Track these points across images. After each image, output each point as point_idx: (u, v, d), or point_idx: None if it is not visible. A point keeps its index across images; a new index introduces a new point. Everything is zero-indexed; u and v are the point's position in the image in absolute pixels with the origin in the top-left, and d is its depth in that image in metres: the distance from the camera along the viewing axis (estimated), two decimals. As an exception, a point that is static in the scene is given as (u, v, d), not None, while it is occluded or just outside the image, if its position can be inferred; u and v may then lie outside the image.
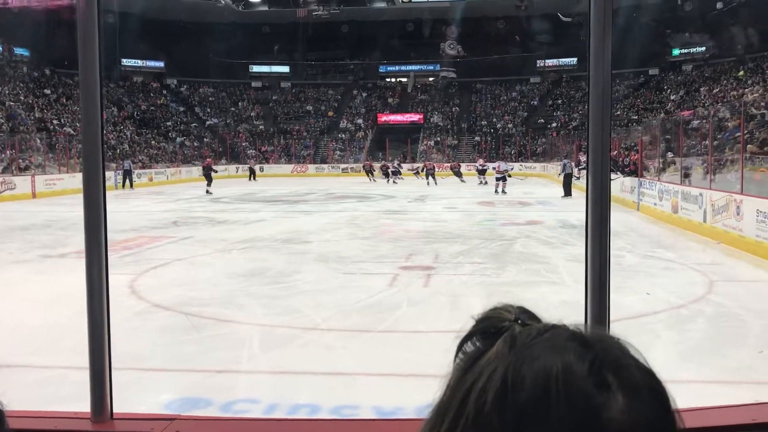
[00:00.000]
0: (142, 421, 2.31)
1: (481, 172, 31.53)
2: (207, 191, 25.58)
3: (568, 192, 22.13)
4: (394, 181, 33.59)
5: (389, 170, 35.04)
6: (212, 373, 5.08)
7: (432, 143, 48.84)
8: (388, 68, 55.40)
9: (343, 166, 44.47)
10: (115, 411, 2.29)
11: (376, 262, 10.09)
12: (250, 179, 37.81)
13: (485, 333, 0.56)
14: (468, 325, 0.63)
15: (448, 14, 48.94)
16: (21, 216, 17.33)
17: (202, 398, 4.54)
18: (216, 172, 27.54)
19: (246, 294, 7.78)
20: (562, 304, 7.04)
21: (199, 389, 4.74)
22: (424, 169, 33.48)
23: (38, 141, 31.99)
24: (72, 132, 36.29)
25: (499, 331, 0.55)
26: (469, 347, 0.56)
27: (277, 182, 35.49)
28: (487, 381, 0.50)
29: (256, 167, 41.38)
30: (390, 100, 54.15)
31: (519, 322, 0.56)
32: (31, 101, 37.68)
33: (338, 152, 48.25)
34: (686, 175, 16.22)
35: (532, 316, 0.58)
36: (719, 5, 41.20)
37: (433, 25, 50.72)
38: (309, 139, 50.00)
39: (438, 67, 53.95)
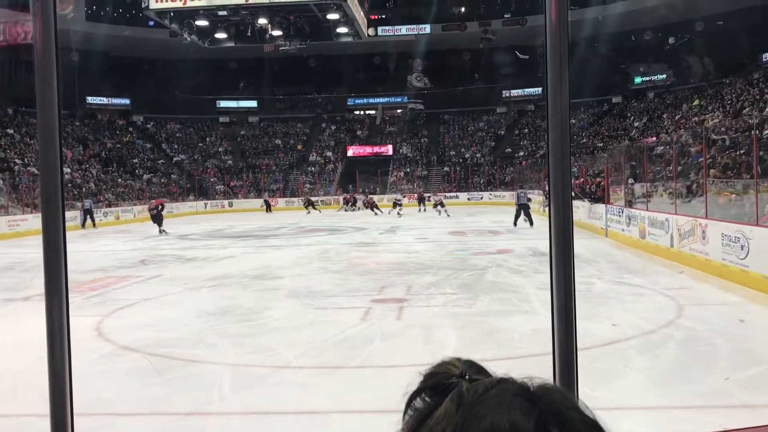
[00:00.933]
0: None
1: (420, 200, 36.23)
2: (161, 231, 23.82)
3: (530, 220, 21.90)
4: (398, 213, 32.31)
5: (394, 202, 34.30)
6: (182, 416, 4.97)
7: (402, 174, 49.09)
8: (356, 101, 55.81)
9: (313, 198, 44.47)
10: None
11: (348, 296, 10.03)
12: (267, 211, 39.17)
13: (434, 389, 0.55)
14: (432, 363, 0.61)
15: (414, 48, 49.62)
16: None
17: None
18: (162, 209, 25.13)
19: (216, 333, 7.66)
20: (534, 333, 7.05)
21: (168, 432, 4.62)
22: (419, 201, 36.44)
23: (1, 181, 31.45)
24: (36, 172, 35.68)
25: (447, 388, 0.54)
26: (418, 403, 0.55)
27: (247, 217, 35.25)
28: None
29: (226, 202, 41.18)
30: (359, 132, 54.46)
31: (466, 377, 0.56)
32: (-7, 141, 37.14)
33: (308, 185, 48.23)
34: (630, 202, 16.73)
35: (479, 370, 0.58)
36: (671, 40, 42.58)
37: (399, 58, 51.35)
38: (278, 173, 49.93)
39: (406, 99, 54.50)
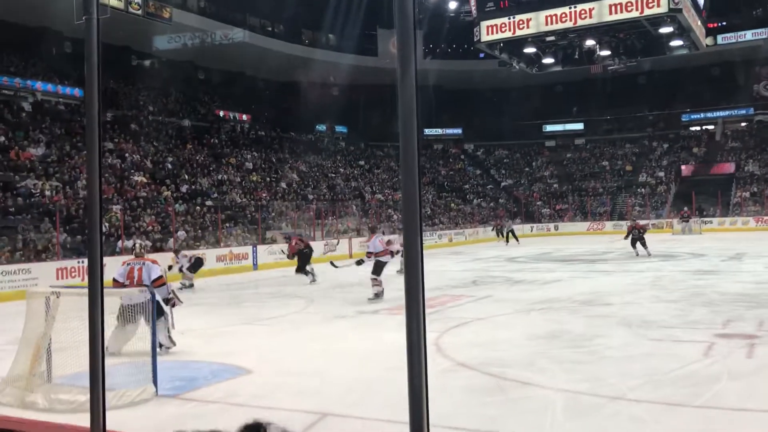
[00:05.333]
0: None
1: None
2: (332, 264, 16.22)
3: None
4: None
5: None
6: (516, 438, 5.05)
7: (747, 195, 43.96)
8: (692, 116, 51.51)
9: (643, 222, 42.06)
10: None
11: (688, 328, 9.27)
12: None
13: None
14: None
15: (760, 54, 44.35)
16: (341, 275, 19.11)
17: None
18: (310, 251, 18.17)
19: (546, 357, 7.65)
20: None
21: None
22: None
23: (354, 207, 35.56)
24: (382, 198, 39.68)
25: None
26: None
27: (573, 240, 34.70)
28: None
29: (552, 225, 40.97)
30: (695, 149, 50.18)
31: None
32: (347, 172, 42.19)
33: (637, 208, 45.78)
34: None
35: None
36: None
37: (742, 67, 46.31)
38: (605, 195, 48.33)
39: (751, 111, 48.84)
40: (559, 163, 53.32)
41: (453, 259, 24.50)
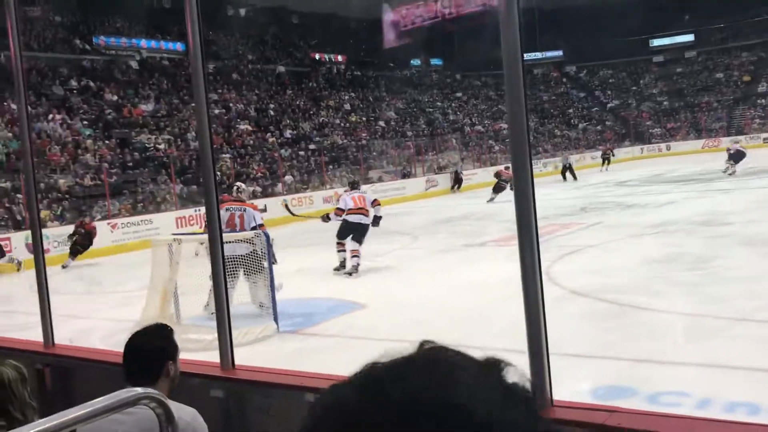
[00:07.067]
0: (584, 411, 2.38)
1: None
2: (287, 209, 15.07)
3: None
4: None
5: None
6: (636, 362, 4.98)
7: None
8: (818, 16, 47.16)
9: (764, 135, 39.33)
10: (554, 397, 2.41)
11: (819, 245, 8.71)
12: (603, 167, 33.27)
13: None
14: None
15: None
16: (443, 209, 19.25)
17: (628, 387, 4.47)
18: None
19: (663, 281, 7.43)
20: None
21: (623, 378, 4.68)
22: None
23: (454, 141, 35.22)
24: (482, 130, 39.06)
25: None
26: None
27: (687, 159, 33.01)
28: None
29: (663, 145, 38.93)
30: (825, 51, 46.12)
31: None
32: (445, 105, 41.67)
33: (758, 121, 42.80)
34: None
35: None
36: None
37: None
38: (721, 110, 45.42)
39: None
40: (669, 79, 50.44)
41: (559, 187, 23.94)
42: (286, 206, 12.76)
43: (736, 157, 21.54)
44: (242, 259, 6.98)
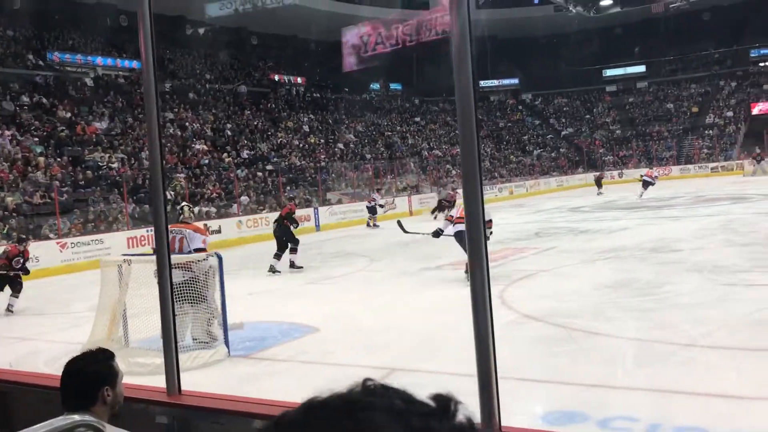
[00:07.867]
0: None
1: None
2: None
3: None
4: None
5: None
6: (587, 387, 5.01)
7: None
8: (761, 51, 49.00)
9: (712, 165, 40.57)
10: (502, 423, 2.39)
11: (763, 272, 8.95)
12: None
13: None
14: None
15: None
16: (401, 232, 19.16)
17: (579, 412, 4.49)
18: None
19: (615, 306, 7.53)
20: None
21: (574, 402, 4.70)
22: None
23: (412, 165, 35.45)
24: (440, 154, 39.40)
25: None
26: None
27: (638, 187, 33.72)
28: None
29: (616, 173, 39.87)
30: (766, 86, 47.86)
31: None
32: (404, 129, 41.96)
33: (705, 150, 44.16)
34: None
35: None
36: None
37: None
38: (671, 139, 46.75)
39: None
40: (622, 108, 51.77)
41: (514, 212, 24.22)
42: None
43: (645, 184, 26.19)
44: (177, 287, 6.16)
